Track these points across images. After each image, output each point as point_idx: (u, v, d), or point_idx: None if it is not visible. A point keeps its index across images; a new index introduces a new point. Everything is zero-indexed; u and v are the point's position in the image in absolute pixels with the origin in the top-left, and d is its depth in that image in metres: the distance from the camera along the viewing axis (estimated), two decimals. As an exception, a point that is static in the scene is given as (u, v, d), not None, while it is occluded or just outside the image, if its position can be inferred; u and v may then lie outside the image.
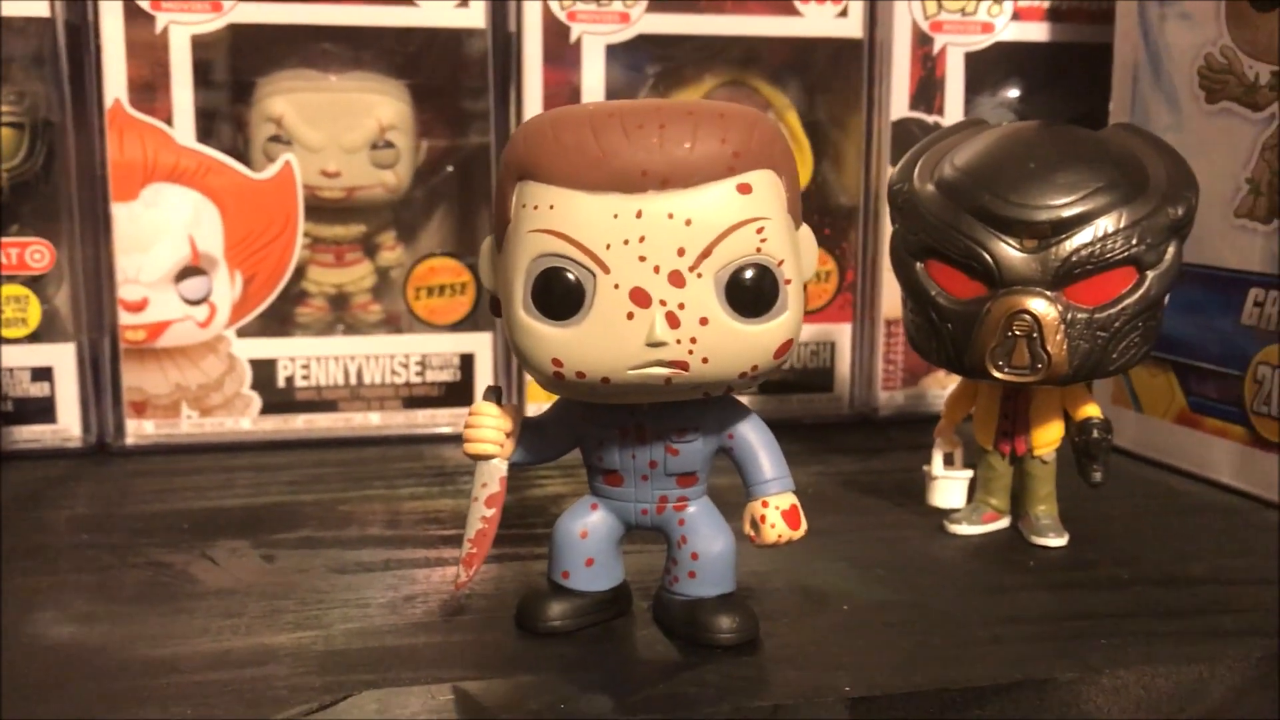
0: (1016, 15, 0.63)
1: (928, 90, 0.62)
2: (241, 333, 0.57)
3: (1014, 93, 0.65)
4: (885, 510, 0.49)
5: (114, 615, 0.38)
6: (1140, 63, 0.56)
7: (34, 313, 0.55)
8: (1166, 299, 0.43)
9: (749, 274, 0.32)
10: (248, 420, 0.58)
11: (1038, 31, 0.63)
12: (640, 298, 0.32)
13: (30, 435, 0.56)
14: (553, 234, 0.32)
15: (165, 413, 0.57)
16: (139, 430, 0.57)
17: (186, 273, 0.56)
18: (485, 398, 0.36)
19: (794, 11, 0.60)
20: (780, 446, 0.36)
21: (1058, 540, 0.45)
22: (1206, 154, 0.52)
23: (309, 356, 0.58)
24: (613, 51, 0.59)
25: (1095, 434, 0.44)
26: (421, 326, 0.60)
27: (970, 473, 0.47)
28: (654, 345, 0.32)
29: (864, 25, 0.61)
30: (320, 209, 0.59)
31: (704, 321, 0.32)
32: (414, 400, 0.59)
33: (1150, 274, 0.42)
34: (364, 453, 0.57)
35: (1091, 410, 0.45)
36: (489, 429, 0.36)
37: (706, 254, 0.32)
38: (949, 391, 0.48)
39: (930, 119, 0.62)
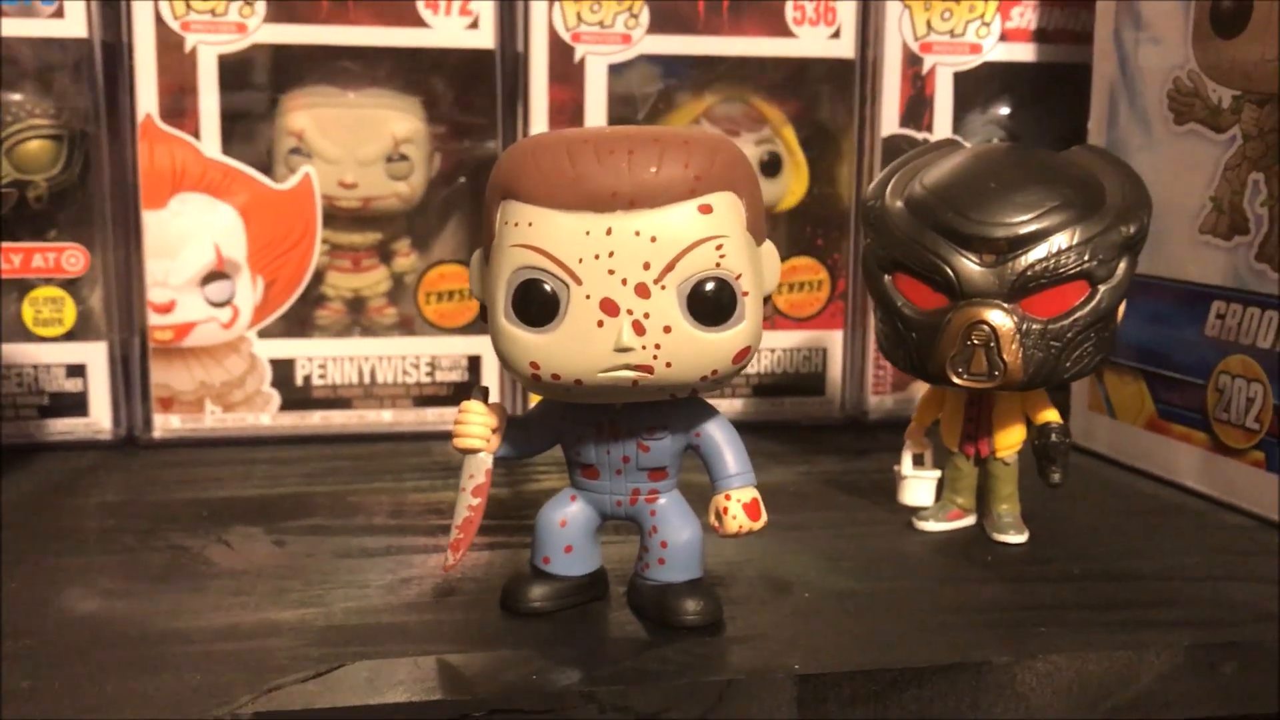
0: (1004, 36, 0.65)
1: (917, 108, 0.65)
2: (263, 334, 0.61)
3: (1003, 110, 0.68)
4: (860, 508, 0.52)
5: (135, 592, 0.41)
6: (1116, 84, 0.59)
7: (69, 313, 0.59)
8: (1122, 310, 0.46)
9: (709, 286, 0.35)
10: (267, 416, 0.61)
11: (1025, 52, 0.66)
12: (609, 307, 0.35)
13: (64, 428, 0.59)
14: (531, 249, 0.35)
15: (190, 408, 0.61)
16: (166, 424, 0.60)
17: (211, 277, 0.60)
18: (473, 396, 0.39)
19: (788, 33, 0.63)
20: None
21: (1018, 537, 0.47)
22: (1175, 173, 0.55)
23: (326, 357, 0.62)
24: (617, 69, 0.62)
25: (1053, 437, 0.47)
26: (432, 329, 0.63)
27: (938, 473, 0.50)
28: (621, 350, 0.35)
29: (855, 46, 0.64)
30: (339, 218, 0.62)
31: (667, 329, 0.35)
32: (424, 399, 0.63)
33: (1102, 288, 0.44)
34: (375, 448, 0.60)
35: (1050, 415, 0.47)
36: (476, 425, 0.39)
37: (670, 268, 0.35)
38: (919, 396, 0.51)
39: (920, 135, 0.65)
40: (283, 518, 0.49)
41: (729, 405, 0.66)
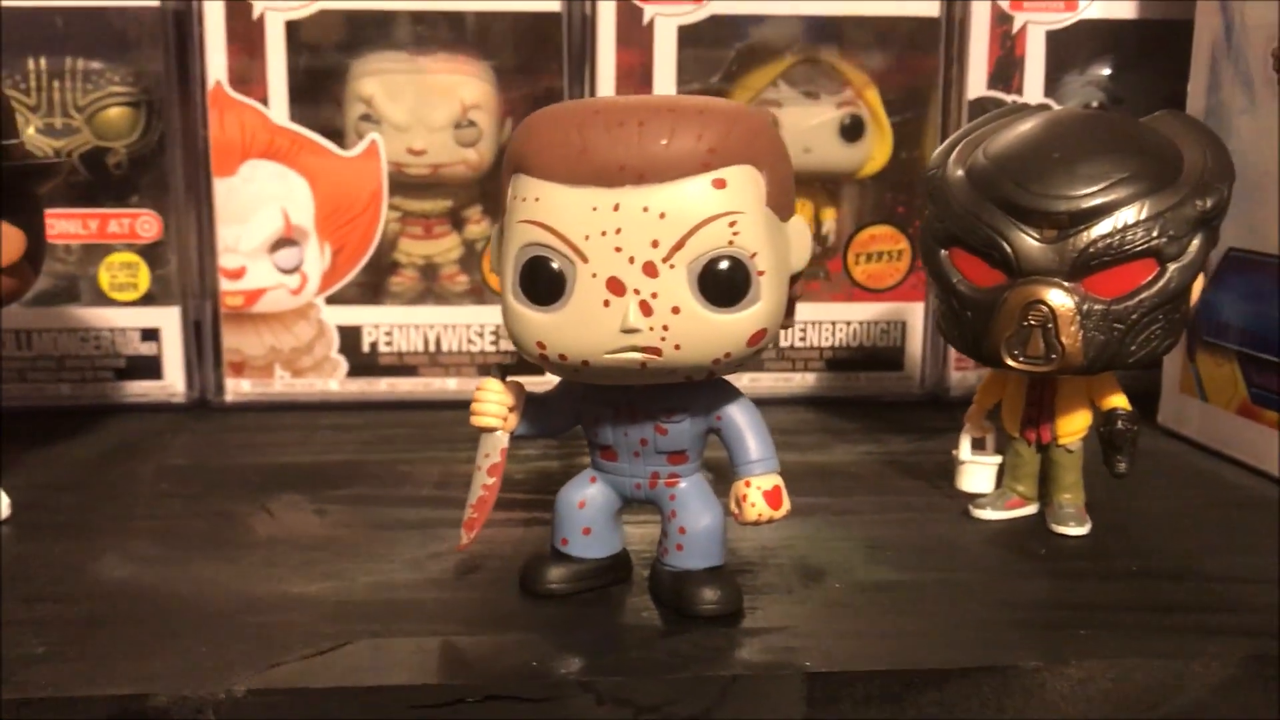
0: (1102, -8, 0.61)
1: (1006, 69, 0.61)
2: (331, 300, 0.61)
3: (1104, 72, 0.64)
4: (918, 492, 0.50)
5: (169, 560, 0.42)
6: (1219, 43, 0.54)
7: (144, 278, 0.60)
8: (1198, 290, 0.43)
9: (721, 265, 0.34)
10: (335, 382, 0.62)
11: (1125, 9, 0.62)
12: (616, 287, 0.34)
13: (140, 390, 0.61)
14: (538, 225, 0.34)
15: (260, 373, 0.61)
16: (237, 388, 0.61)
17: (280, 243, 0.61)
18: (491, 374, 0.38)
19: (869, -9, 0.60)
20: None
21: (1078, 529, 0.45)
22: (1276, 139, 0.50)
23: (392, 324, 0.62)
24: (686, 31, 0.60)
25: (1120, 425, 0.44)
26: (498, 299, 0.62)
27: (998, 458, 0.48)
28: (628, 332, 0.34)
29: (941, 4, 0.61)
30: (409, 185, 0.62)
31: (676, 310, 0.34)
32: (488, 368, 0.62)
33: (1172, 266, 0.41)
34: (438, 416, 0.60)
35: (1118, 401, 0.44)
36: (493, 403, 0.38)
37: (679, 246, 0.33)
38: (981, 377, 0.49)
39: (1009, 98, 0.62)
40: (329, 486, 0.50)
41: (801, 380, 0.64)
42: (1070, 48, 0.62)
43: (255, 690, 0.33)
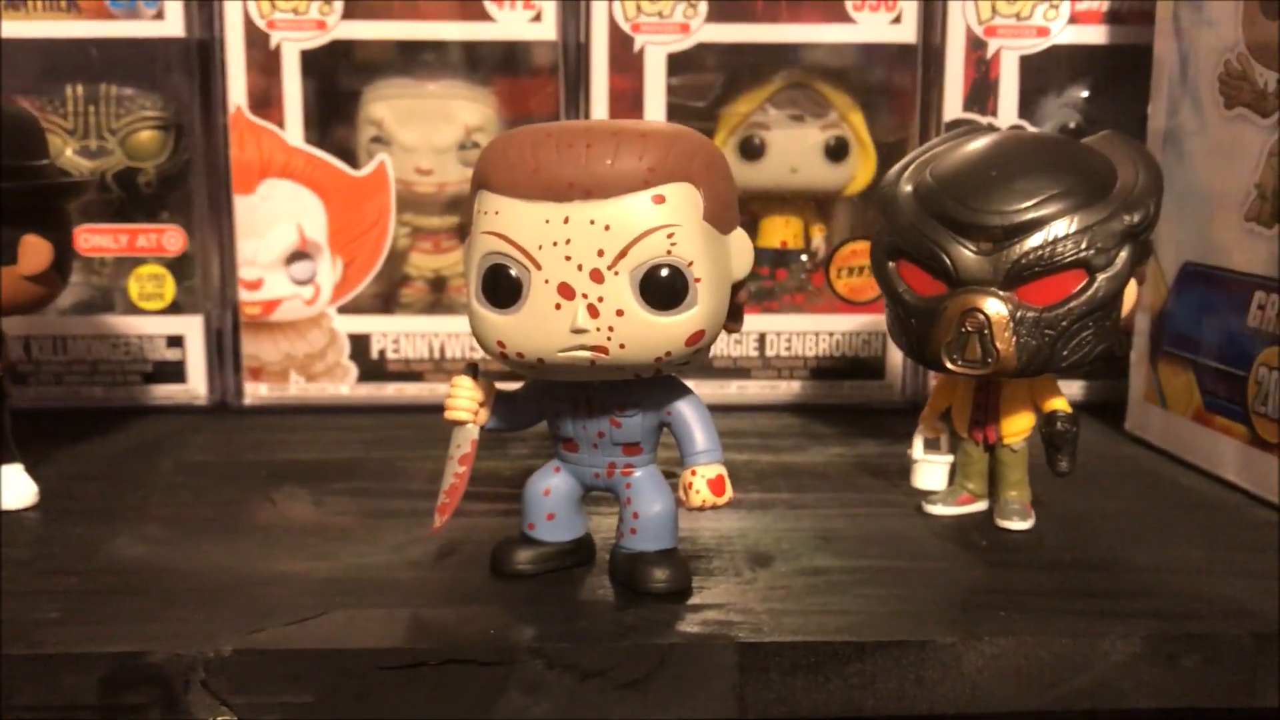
0: (1074, 19, 0.64)
1: (981, 92, 0.65)
2: (342, 310, 0.66)
3: (1078, 94, 0.67)
4: (878, 490, 0.53)
5: (176, 541, 0.46)
6: (1174, 67, 0.57)
7: (169, 289, 0.65)
8: (1132, 299, 0.46)
9: (661, 273, 0.37)
10: (346, 387, 0.66)
11: (1096, 34, 0.65)
12: (566, 291, 0.37)
13: (165, 394, 0.65)
14: (498, 236, 0.38)
15: (277, 378, 0.66)
16: (255, 392, 0.66)
17: (295, 257, 0.65)
18: (463, 372, 0.42)
19: (848, 19, 0.64)
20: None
21: (1021, 524, 0.48)
22: (1223, 158, 0.53)
23: (400, 332, 0.66)
24: (676, 59, 0.64)
25: (1060, 425, 0.47)
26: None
27: (950, 457, 0.50)
28: (577, 332, 0.37)
29: (918, 31, 0.64)
30: (418, 202, 0.66)
31: (620, 313, 0.37)
32: (488, 374, 0.66)
33: (1100, 277, 0.44)
34: (440, 419, 0.64)
35: (1058, 403, 0.47)
36: (464, 399, 0.42)
37: (622, 255, 0.37)
38: (933, 382, 0.52)
39: (984, 119, 0.65)
40: (330, 480, 0.54)
41: (787, 387, 0.67)
42: (1044, 72, 0.65)
43: (240, 650, 0.36)
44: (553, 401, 0.42)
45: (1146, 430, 0.60)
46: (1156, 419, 0.59)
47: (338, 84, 0.64)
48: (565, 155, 0.37)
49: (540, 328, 0.38)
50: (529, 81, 0.65)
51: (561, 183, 0.37)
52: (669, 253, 0.37)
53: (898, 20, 0.64)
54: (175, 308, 0.65)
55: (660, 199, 0.37)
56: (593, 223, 0.37)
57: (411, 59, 0.65)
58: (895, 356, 0.67)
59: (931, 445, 0.51)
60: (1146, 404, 0.60)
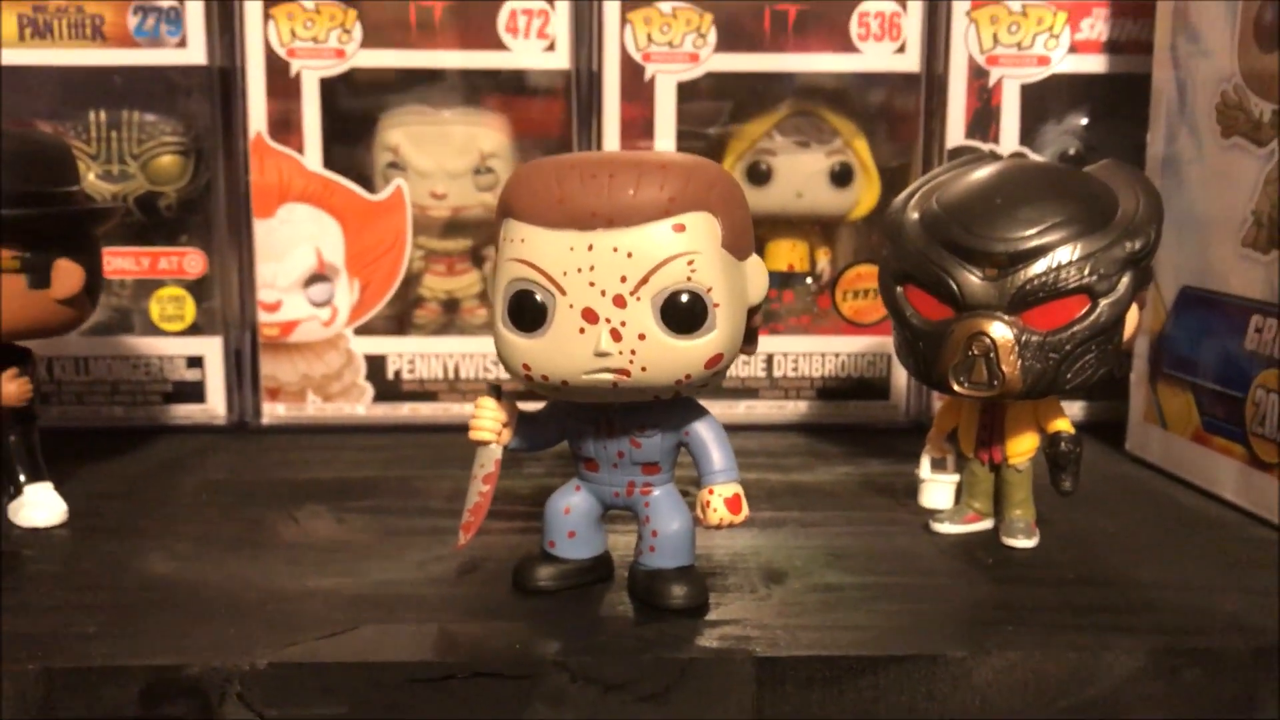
0: (1074, 48, 0.66)
1: (983, 120, 0.66)
2: (360, 331, 0.67)
3: (1081, 122, 0.68)
4: (885, 509, 0.54)
5: (204, 557, 0.47)
6: (1172, 97, 0.59)
7: (190, 311, 0.66)
8: (1134, 323, 0.47)
9: (680, 298, 0.39)
10: (362, 407, 0.67)
11: (1096, 63, 0.66)
12: (590, 316, 0.39)
13: (185, 413, 0.67)
14: (524, 262, 0.39)
15: (294, 398, 0.67)
16: (273, 412, 0.67)
17: (313, 279, 0.66)
18: (487, 393, 0.44)
19: (853, 49, 0.65)
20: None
21: (1027, 542, 0.49)
22: (1221, 185, 0.55)
23: (415, 353, 0.67)
24: (686, 88, 0.66)
25: (1063, 446, 0.48)
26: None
27: (956, 477, 0.52)
28: (600, 355, 0.39)
29: (921, 60, 0.66)
30: (432, 226, 0.68)
31: (642, 337, 0.39)
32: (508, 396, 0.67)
33: (1103, 302, 0.46)
34: (455, 438, 0.64)
35: (1061, 424, 0.49)
36: (488, 419, 0.43)
37: (644, 281, 0.39)
38: (940, 403, 0.53)
39: (986, 146, 0.66)
40: (351, 498, 0.55)
41: (794, 407, 0.68)
42: (1044, 100, 0.67)
43: (274, 664, 0.38)
44: (574, 422, 0.43)
45: (1146, 450, 0.61)
46: (1156, 439, 0.60)
47: (355, 111, 0.66)
48: (589, 185, 0.38)
49: (565, 351, 0.39)
50: (542, 109, 0.67)
51: (586, 212, 0.38)
52: (689, 279, 0.39)
53: (902, 50, 0.65)
54: (195, 329, 0.66)
55: (680, 227, 0.39)
56: (616, 250, 0.38)
57: (427, 86, 0.66)
58: (900, 377, 0.68)
59: (938, 465, 0.52)
60: (1146, 424, 0.61)
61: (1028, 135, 0.67)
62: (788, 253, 0.69)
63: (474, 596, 0.44)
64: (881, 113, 0.67)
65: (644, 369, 0.39)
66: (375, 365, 0.67)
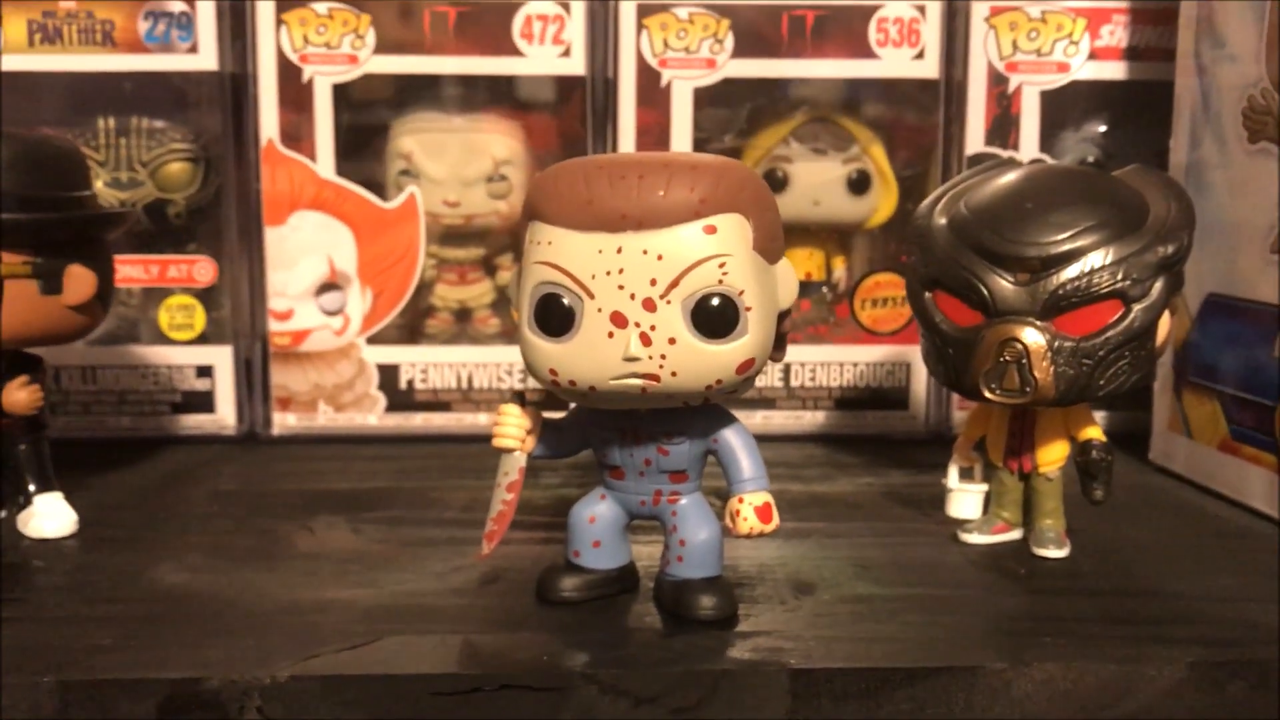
0: (1093, 55, 0.65)
1: (1003, 127, 0.66)
2: (371, 340, 0.66)
3: (1099, 129, 0.68)
4: (911, 519, 0.53)
5: (218, 569, 0.46)
6: (1196, 102, 0.58)
7: (200, 319, 0.65)
8: (1166, 329, 0.46)
9: (712, 302, 0.38)
10: (374, 417, 0.66)
11: (1116, 70, 0.66)
12: (619, 320, 0.38)
13: (194, 423, 0.66)
14: (551, 265, 0.39)
15: (305, 408, 0.66)
16: (283, 422, 0.66)
17: (325, 288, 0.65)
18: (510, 400, 0.43)
19: (872, 54, 0.65)
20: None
21: (1058, 552, 0.48)
22: (1247, 191, 0.54)
23: (428, 363, 0.66)
24: (702, 94, 0.65)
25: (1094, 454, 0.47)
26: (526, 339, 0.67)
27: (985, 486, 0.51)
28: (629, 360, 0.38)
29: (940, 67, 0.65)
30: (445, 234, 0.67)
31: (672, 341, 0.38)
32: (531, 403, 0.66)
33: (1136, 307, 0.45)
34: (469, 449, 0.65)
35: (1093, 432, 0.48)
36: (511, 426, 0.42)
37: (675, 284, 0.38)
38: (964, 412, 0.52)
39: (1005, 153, 0.66)
40: (366, 509, 0.54)
41: (811, 418, 0.67)
42: (1064, 107, 0.66)
43: (295, 677, 0.37)
44: (599, 429, 0.42)
45: (1171, 460, 0.60)
46: (1182, 449, 0.59)
47: (368, 117, 0.65)
48: (618, 187, 0.38)
49: (593, 356, 0.38)
50: (557, 115, 0.66)
51: (615, 214, 0.38)
52: (720, 282, 0.38)
53: (920, 56, 0.65)
54: (204, 338, 0.65)
55: (712, 229, 0.38)
56: (645, 253, 0.38)
57: (441, 92, 0.66)
58: (919, 387, 0.68)
59: (966, 474, 0.51)
60: (1171, 434, 0.60)
61: (1047, 142, 0.66)
62: (804, 261, 0.68)
63: (497, 607, 0.43)
64: (899, 120, 0.67)
65: (674, 374, 0.38)
66: (388, 375, 0.66)
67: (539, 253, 0.39)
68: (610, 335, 0.38)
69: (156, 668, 0.37)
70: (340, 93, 0.64)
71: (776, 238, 0.40)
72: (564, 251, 0.38)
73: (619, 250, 0.38)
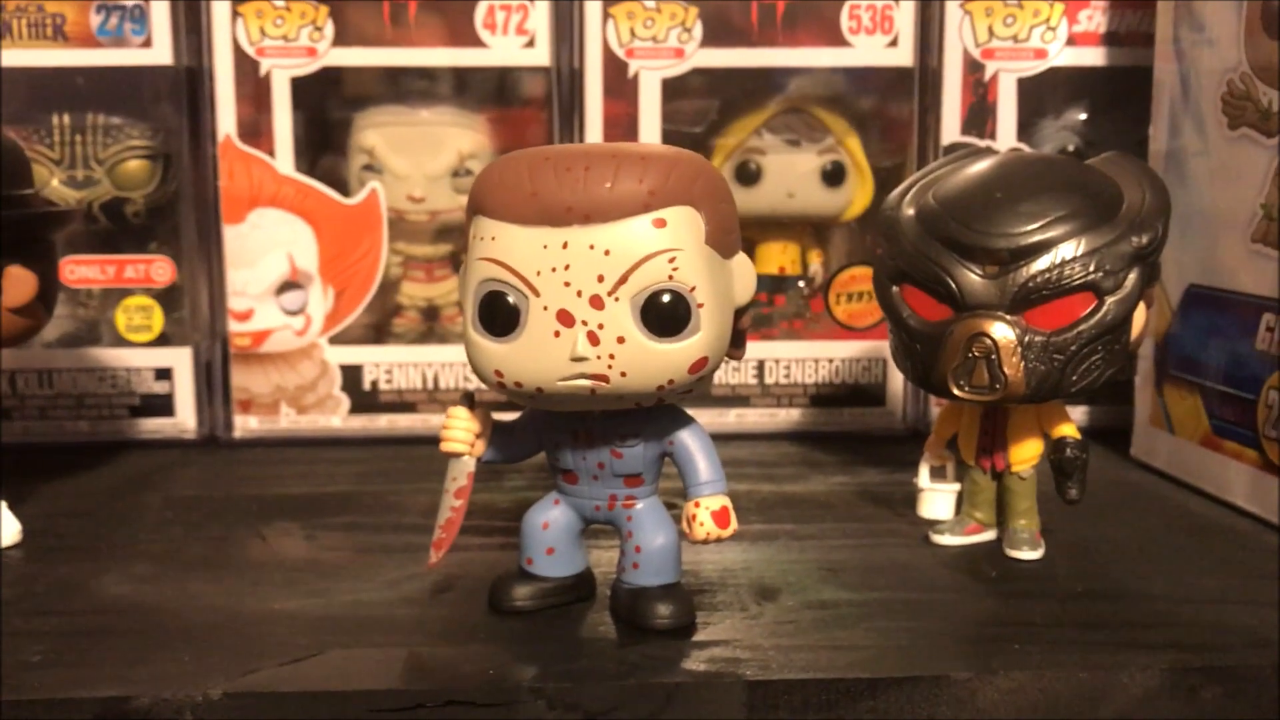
0: (1071, 40, 0.64)
1: (979, 115, 0.64)
2: (333, 340, 0.64)
3: (1079, 116, 0.66)
4: (883, 520, 0.52)
5: (164, 578, 0.45)
6: (1175, 88, 0.57)
7: (158, 320, 0.64)
8: (1140, 323, 0.45)
9: (662, 299, 0.36)
10: (338, 419, 0.65)
11: (1094, 56, 0.64)
12: (565, 318, 0.36)
13: (153, 427, 0.64)
14: (494, 262, 0.37)
15: (267, 410, 0.64)
16: (245, 425, 0.64)
17: (286, 287, 0.64)
18: (459, 403, 0.41)
19: (844, 43, 0.63)
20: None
21: (1031, 553, 0.47)
22: (1228, 179, 0.53)
23: (392, 363, 0.65)
24: (671, 84, 0.63)
25: (1069, 452, 0.46)
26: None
27: (957, 486, 0.49)
28: (577, 360, 0.36)
29: (914, 54, 0.63)
30: (411, 231, 0.65)
31: (621, 340, 0.36)
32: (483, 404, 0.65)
33: (1109, 299, 0.43)
34: (434, 450, 0.61)
35: (1067, 429, 0.46)
36: (460, 430, 0.41)
37: (623, 280, 0.36)
38: (939, 409, 0.51)
39: (982, 142, 0.64)
40: (322, 514, 0.52)
41: (786, 415, 0.66)
42: (1042, 94, 0.65)
43: (230, 694, 0.35)
44: (551, 432, 0.40)
45: (1152, 456, 0.59)
46: (1163, 444, 0.58)
47: (328, 112, 0.64)
48: (563, 179, 0.36)
49: (539, 356, 0.37)
50: (522, 108, 0.64)
51: (560, 207, 0.36)
52: (670, 278, 0.36)
53: (894, 44, 0.63)
54: (164, 339, 0.64)
55: (661, 223, 0.36)
56: (592, 248, 0.36)
57: (403, 85, 0.64)
58: (896, 383, 0.66)
59: (937, 473, 0.50)
60: (1152, 429, 0.59)
61: (1025, 131, 0.65)
62: (779, 255, 0.67)
63: (447, 618, 0.41)
64: (874, 110, 0.65)
65: (624, 374, 0.37)
66: (351, 376, 0.65)
67: (482, 249, 0.37)
68: (557, 334, 0.36)
69: (85, 686, 0.36)
70: (299, 86, 0.62)
71: (731, 231, 0.39)
72: (508, 247, 0.37)
73: (565, 245, 0.36)
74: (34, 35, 0.61)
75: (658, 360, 0.37)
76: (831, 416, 0.66)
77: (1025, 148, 0.64)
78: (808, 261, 0.67)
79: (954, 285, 0.44)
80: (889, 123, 0.65)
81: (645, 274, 0.36)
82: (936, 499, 0.50)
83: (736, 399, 0.66)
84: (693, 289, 0.36)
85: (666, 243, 0.36)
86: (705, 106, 0.65)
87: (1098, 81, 0.65)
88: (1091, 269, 0.43)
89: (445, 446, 0.41)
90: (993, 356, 0.43)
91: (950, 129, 0.64)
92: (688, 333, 0.37)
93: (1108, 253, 0.43)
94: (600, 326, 0.36)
